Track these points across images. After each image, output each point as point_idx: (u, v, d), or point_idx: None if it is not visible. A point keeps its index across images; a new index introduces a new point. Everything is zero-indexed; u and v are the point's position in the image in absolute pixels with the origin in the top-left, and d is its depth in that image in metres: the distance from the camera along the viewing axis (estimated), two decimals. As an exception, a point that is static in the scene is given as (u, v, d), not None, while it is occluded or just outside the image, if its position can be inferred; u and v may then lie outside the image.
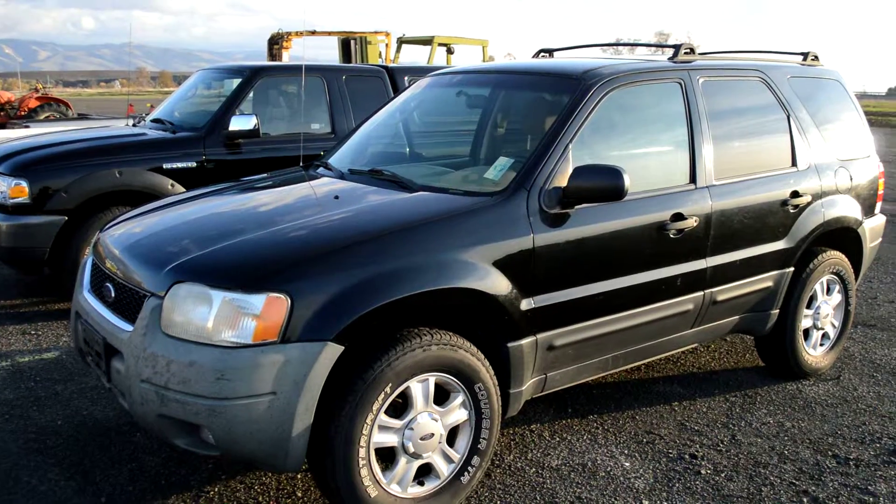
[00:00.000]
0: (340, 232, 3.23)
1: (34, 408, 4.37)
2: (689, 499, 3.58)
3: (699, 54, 4.57)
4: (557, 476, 3.75)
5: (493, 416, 3.39)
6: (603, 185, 3.44)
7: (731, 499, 3.60)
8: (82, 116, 16.97)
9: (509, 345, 3.44)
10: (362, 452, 3.02)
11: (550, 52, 5.15)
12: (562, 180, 3.51)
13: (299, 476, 3.65)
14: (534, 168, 3.54)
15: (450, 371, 3.21)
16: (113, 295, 3.36)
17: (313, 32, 21.66)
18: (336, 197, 3.72)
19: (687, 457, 3.99)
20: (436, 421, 3.23)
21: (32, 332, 5.67)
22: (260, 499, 3.49)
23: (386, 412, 3.10)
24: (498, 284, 3.30)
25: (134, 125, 7.56)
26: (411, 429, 3.16)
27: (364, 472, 3.04)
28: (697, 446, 4.11)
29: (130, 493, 3.50)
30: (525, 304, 3.42)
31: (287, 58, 20.87)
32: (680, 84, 4.23)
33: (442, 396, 3.29)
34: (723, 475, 3.81)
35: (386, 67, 7.68)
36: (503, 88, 4.73)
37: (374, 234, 3.18)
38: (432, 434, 3.21)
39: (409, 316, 3.24)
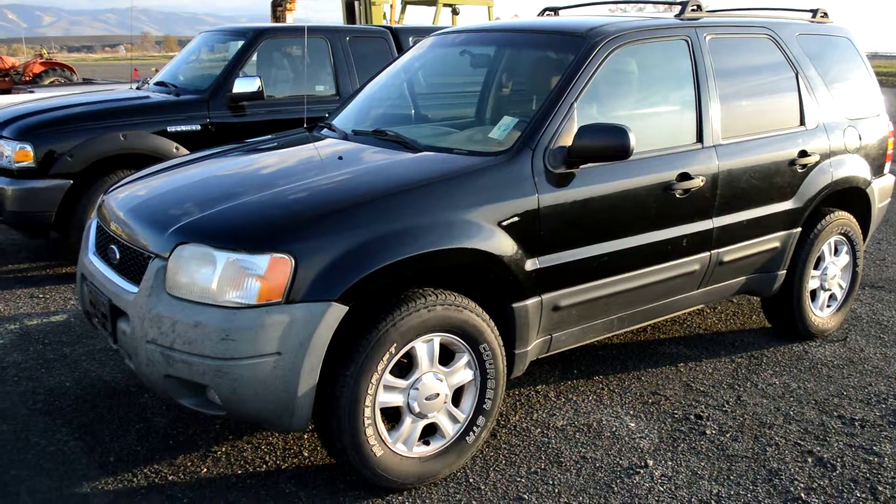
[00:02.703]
0: (344, 192, 3.22)
1: (43, 370, 4.40)
2: (694, 459, 3.61)
3: (707, 11, 4.50)
4: (563, 436, 3.78)
5: (498, 377, 3.41)
6: (608, 144, 3.42)
7: (735, 459, 3.62)
8: (87, 81, 16.93)
9: (514, 305, 3.44)
10: (367, 412, 3.04)
11: (556, 10, 5.10)
12: (567, 139, 3.50)
13: (306, 436, 3.68)
14: (538, 127, 3.52)
15: (454, 331, 3.22)
16: (118, 257, 3.36)
17: (317, -7, 21.48)
18: (340, 157, 3.71)
19: (692, 417, 4.01)
20: (441, 381, 3.25)
21: (40, 296, 5.70)
22: (266, 458, 3.52)
23: (391, 372, 3.11)
24: (503, 245, 3.30)
25: (137, 88, 7.54)
26: (416, 389, 3.18)
27: (370, 431, 3.06)
28: (703, 407, 4.12)
29: (138, 453, 3.53)
30: (530, 265, 3.42)
31: (291, 20, 20.70)
32: (687, 42, 4.18)
33: (447, 357, 3.30)
34: (728, 435, 3.83)
35: (390, 28, 7.64)
36: (507, 47, 4.69)
37: (377, 194, 3.17)
38: (437, 394, 3.23)
39: (413, 277, 3.24)
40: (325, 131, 4.34)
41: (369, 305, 3.06)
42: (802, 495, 3.34)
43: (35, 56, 24.95)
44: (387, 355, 3.04)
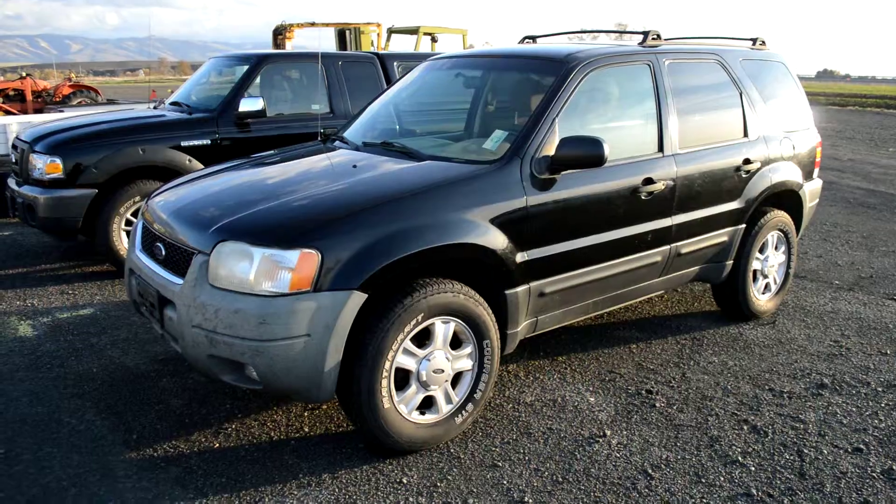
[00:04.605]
0: (361, 195, 3.27)
1: (72, 358, 4.40)
2: (646, 428, 3.64)
3: (665, 40, 4.60)
4: (531, 410, 3.80)
5: (492, 372, 3.48)
6: (586, 153, 3.49)
7: (681, 428, 3.66)
8: (111, 101, 16.77)
9: (507, 292, 3.52)
10: (387, 365, 3.10)
11: (534, 38, 5.17)
12: (550, 149, 3.57)
13: (306, 414, 3.71)
14: (526, 139, 3.59)
15: (467, 319, 3.31)
16: (164, 253, 3.40)
17: (313, 24, 21.32)
18: (354, 166, 3.75)
19: (643, 392, 4.04)
20: (448, 361, 3.32)
21: (70, 292, 5.68)
22: (272, 434, 3.53)
23: (412, 340, 3.20)
24: (497, 240, 3.37)
25: (154, 108, 7.50)
26: (428, 360, 3.25)
27: (384, 383, 3.11)
28: (652, 383, 4.16)
29: (158, 431, 3.55)
30: (520, 257, 3.50)
31: (290, 47, 20.59)
32: (649, 66, 4.28)
33: (455, 344, 3.38)
34: (674, 407, 3.87)
35: (377, 54, 7.62)
36: (496, 70, 4.74)
37: (390, 197, 3.23)
38: (443, 370, 3.30)
39: (422, 269, 3.30)
40: (337, 143, 4.38)
41: (389, 292, 3.12)
42: (739, 458, 3.38)
43: (64, 80, 24.62)
44: (414, 321, 3.13)
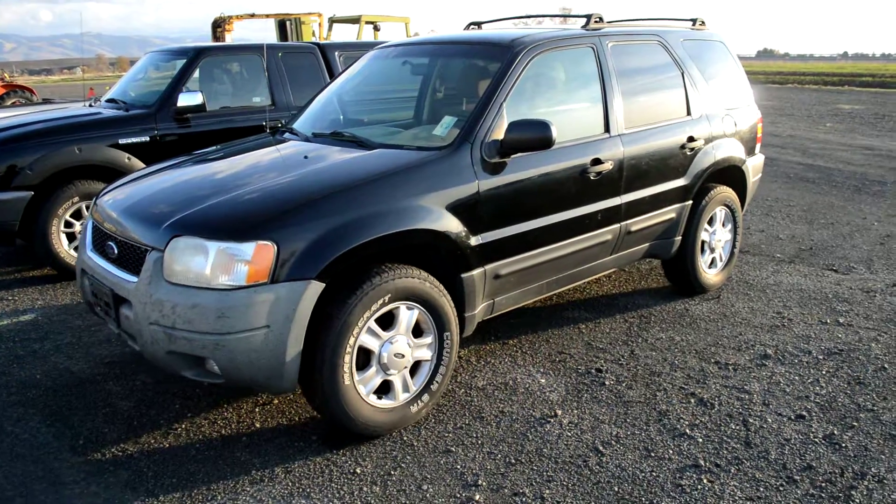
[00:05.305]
0: (314, 186, 3.28)
1: (14, 365, 4.29)
2: (596, 406, 3.70)
3: (607, 23, 4.69)
4: (483, 394, 3.83)
5: (449, 365, 3.54)
6: (534, 136, 3.55)
7: (630, 404, 3.72)
8: (46, 101, 16.23)
9: (463, 276, 3.58)
10: (351, 341, 3.12)
11: (479, 24, 5.22)
12: (499, 133, 3.63)
13: (257, 410, 3.69)
14: (475, 124, 3.64)
15: (430, 308, 3.38)
16: (116, 252, 3.37)
17: (252, 15, 21.05)
18: (305, 157, 3.75)
19: (593, 371, 4.10)
20: (409, 347, 3.37)
21: (9, 298, 5.53)
22: (223, 431, 3.50)
23: (377, 322, 3.24)
24: (450, 225, 3.43)
25: (90, 106, 7.29)
26: (391, 343, 3.29)
27: (346, 359, 3.13)
28: (602, 362, 4.22)
29: (106, 434, 3.49)
30: (474, 241, 3.55)
31: (230, 39, 20.25)
32: (593, 48, 4.37)
33: (416, 334, 3.43)
34: (624, 385, 3.93)
35: (318, 44, 7.54)
36: (442, 57, 4.78)
37: (342, 186, 3.25)
38: (403, 356, 3.34)
39: (378, 256, 3.33)
40: (287, 135, 4.38)
41: (344, 281, 3.15)
42: (687, 431, 3.45)
43: (-3, 80, 23.84)
44: (381, 301, 3.18)
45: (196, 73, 6.72)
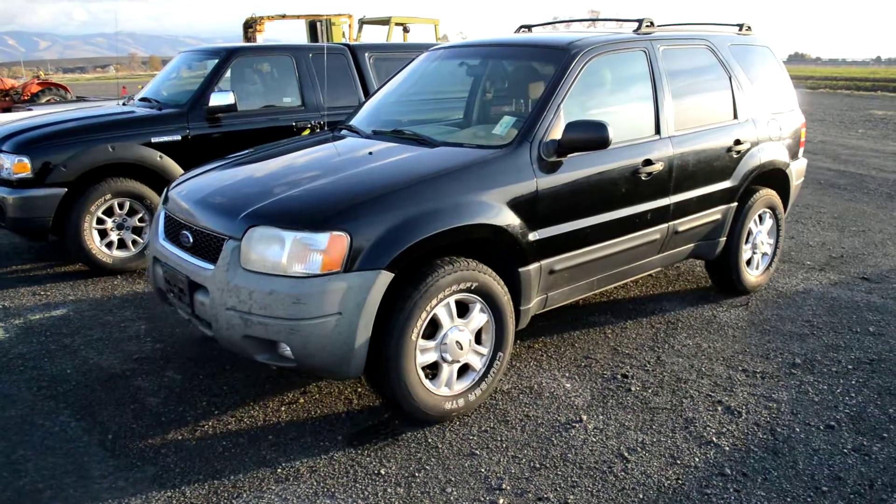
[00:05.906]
0: (383, 180, 3.41)
1: (46, 359, 4.35)
2: (622, 412, 3.68)
3: (657, 27, 4.78)
4: (509, 398, 3.83)
5: (504, 359, 3.68)
6: (591, 136, 3.66)
7: (657, 411, 3.70)
8: (80, 99, 16.55)
9: (520, 270, 3.70)
10: (419, 323, 3.28)
11: (530, 27, 5.34)
12: (556, 133, 3.74)
13: (283, 409, 3.72)
14: (533, 124, 3.76)
15: (489, 300, 3.52)
16: (191, 240, 3.52)
17: (283, 16, 21.30)
18: (370, 153, 3.87)
19: (619, 377, 4.09)
20: (468, 345, 3.51)
21: (42, 293, 5.63)
22: (249, 430, 3.53)
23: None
24: (510, 220, 3.54)
25: (123, 104, 7.39)
26: (460, 329, 3.44)
27: (413, 335, 3.28)
28: (628, 367, 4.21)
29: (134, 430, 3.52)
30: (532, 236, 3.67)
31: (261, 40, 20.50)
32: (645, 52, 4.47)
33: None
34: (650, 391, 3.92)
35: (348, 45, 7.56)
36: (495, 59, 4.89)
37: (410, 181, 3.38)
38: (462, 347, 3.48)
39: (441, 250, 3.45)
40: (345, 132, 4.52)
41: (411, 272, 3.29)
42: (714, 439, 3.43)
43: (33, 77, 24.17)
44: (447, 291, 3.34)
45: (228, 73, 6.79)
